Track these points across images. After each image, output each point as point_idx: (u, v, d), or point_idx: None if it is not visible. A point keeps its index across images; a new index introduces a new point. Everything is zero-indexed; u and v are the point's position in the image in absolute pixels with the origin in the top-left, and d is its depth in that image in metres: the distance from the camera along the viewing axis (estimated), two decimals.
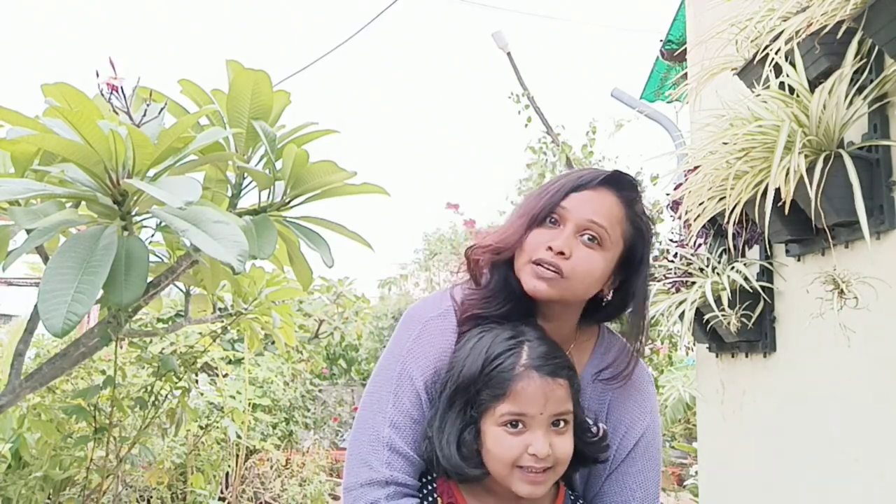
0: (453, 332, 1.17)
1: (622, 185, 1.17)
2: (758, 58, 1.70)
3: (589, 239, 1.12)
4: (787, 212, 1.51)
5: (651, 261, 1.24)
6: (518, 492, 1.05)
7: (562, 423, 1.07)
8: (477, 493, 1.12)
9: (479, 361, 1.08)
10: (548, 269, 1.10)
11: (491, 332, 1.12)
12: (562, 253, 1.10)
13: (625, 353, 1.22)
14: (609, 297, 1.21)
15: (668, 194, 2.42)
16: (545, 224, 1.13)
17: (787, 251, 1.93)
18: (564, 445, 1.07)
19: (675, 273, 2.22)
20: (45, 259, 1.65)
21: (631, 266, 1.18)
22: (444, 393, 1.12)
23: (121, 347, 2.81)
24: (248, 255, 1.27)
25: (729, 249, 2.03)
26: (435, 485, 1.13)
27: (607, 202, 1.14)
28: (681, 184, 2.09)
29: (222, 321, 2.78)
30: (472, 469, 1.07)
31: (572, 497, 1.18)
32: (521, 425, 1.05)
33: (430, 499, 1.12)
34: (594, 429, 1.15)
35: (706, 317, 2.11)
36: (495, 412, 1.05)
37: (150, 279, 1.67)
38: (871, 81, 1.51)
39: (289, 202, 1.74)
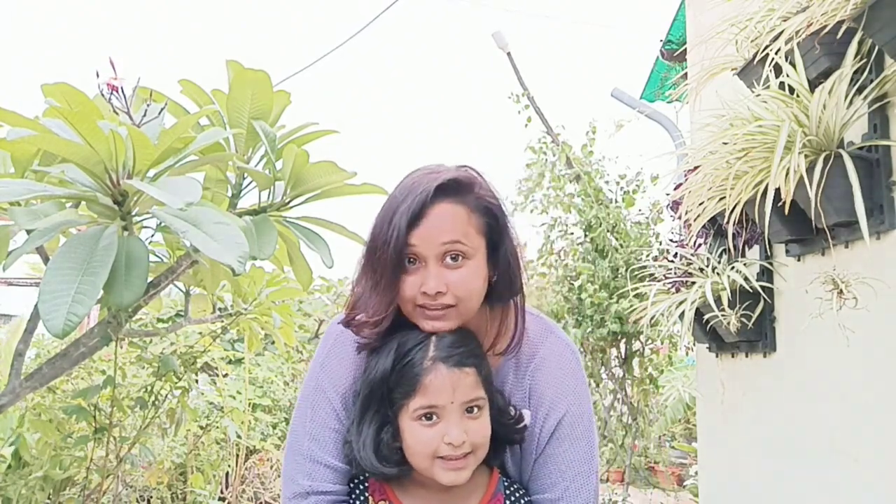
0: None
1: (449, 190, 1.11)
2: (758, 58, 1.70)
3: (453, 259, 1.10)
4: (787, 212, 1.52)
5: (511, 223, 1.18)
6: (441, 481, 1.08)
7: (475, 410, 1.10)
8: (408, 489, 1.16)
9: (390, 360, 1.11)
10: (435, 309, 1.10)
11: (401, 331, 1.14)
12: (439, 292, 1.09)
13: (512, 324, 1.20)
14: (495, 278, 1.17)
15: (668, 194, 2.42)
16: (406, 269, 1.10)
17: (787, 251, 1.93)
18: (480, 430, 1.10)
19: (675, 273, 2.23)
20: (46, 259, 1.65)
21: (498, 245, 1.16)
22: (358, 396, 1.15)
23: (121, 347, 2.81)
24: (249, 256, 1.27)
25: (729, 249, 2.03)
26: (367, 484, 1.18)
27: (448, 215, 1.10)
28: (681, 184, 2.09)
29: (222, 321, 2.78)
30: (389, 468, 1.10)
31: (506, 483, 1.21)
32: (434, 417, 1.08)
33: (362, 498, 1.16)
34: (511, 410, 1.17)
35: (706, 317, 2.11)
36: (409, 408, 1.09)
37: (150, 279, 1.67)
38: (871, 81, 1.51)
39: (289, 202, 1.74)
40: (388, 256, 1.08)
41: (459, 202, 1.12)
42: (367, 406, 1.13)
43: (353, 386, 1.18)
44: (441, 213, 1.10)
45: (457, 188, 1.12)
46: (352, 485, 1.18)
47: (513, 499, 1.20)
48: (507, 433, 1.16)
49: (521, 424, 1.18)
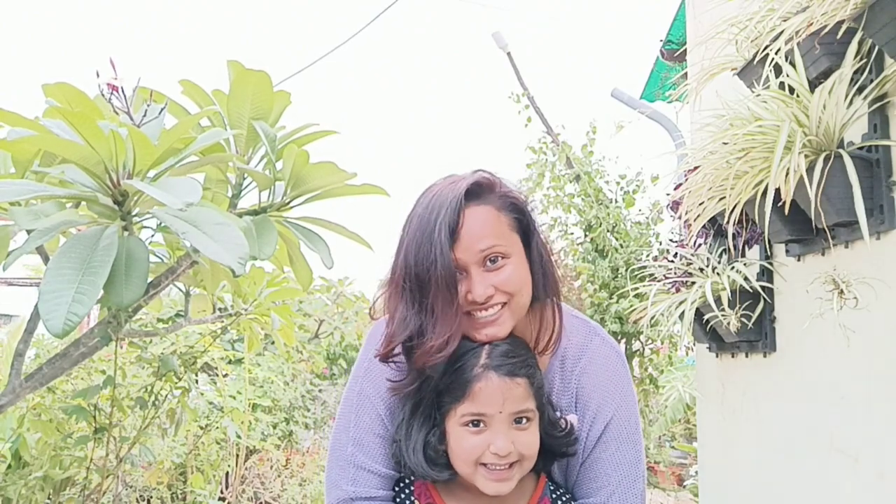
0: None
1: (472, 195, 1.11)
2: (758, 58, 1.70)
3: (492, 261, 1.09)
4: (787, 212, 1.52)
5: (537, 218, 1.20)
6: (484, 490, 1.08)
7: (524, 421, 1.09)
8: (454, 492, 1.15)
9: (442, 365, 1.09)
10: (487, 311, 1.09)
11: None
12: (490, 296, 1.08)
13: (551, 321, 1.18)
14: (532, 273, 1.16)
15: (668, 194, 2.42)
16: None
17: (787, 251, 1.93)
18: (528, 441, 1.09)
19: (675, 273, 2.23)
20: (46, 259, 1.65)
21: (530, 240, 1.16)
22: (408, 399, 1.14)
23: (121, 347, 2.81)
24: (249, 257, 1.26)
25: (729, 249, 2.03)
26: (413, 487, 1.17)
27: (478, 219, 1.09)
28: (681, 184, 2.09)
29: (222, 321, 2.78)
30: (438, 472, 1.10)
31: (552, 487, 1.20)
32: (482, 424, 1.07)
33: (409, 502, 1.15)
34: (562, 423, 1.15)
35: (706, 317, 2.11)
36: (457, 413, 1.08)
37: (150, 279, 1.67)
38: (871, 81, 1.51)
39: (289, 203, 1.74)
40: (439, 274, 1.05)
41: (485, 203, 1.11)
42: (416, 408, 1.13)
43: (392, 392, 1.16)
44: (472, 217, 1.09)
45: (479, 191, 1.12)
46: (397, 488, 1.18)
47: (559, 503, 1.18)
48: (557, 446, 1.15)
49: (573, 437, 1.16)
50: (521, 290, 1.11)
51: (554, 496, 1.19)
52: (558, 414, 1.17)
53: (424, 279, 1.07)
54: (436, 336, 1.06)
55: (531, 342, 1.17)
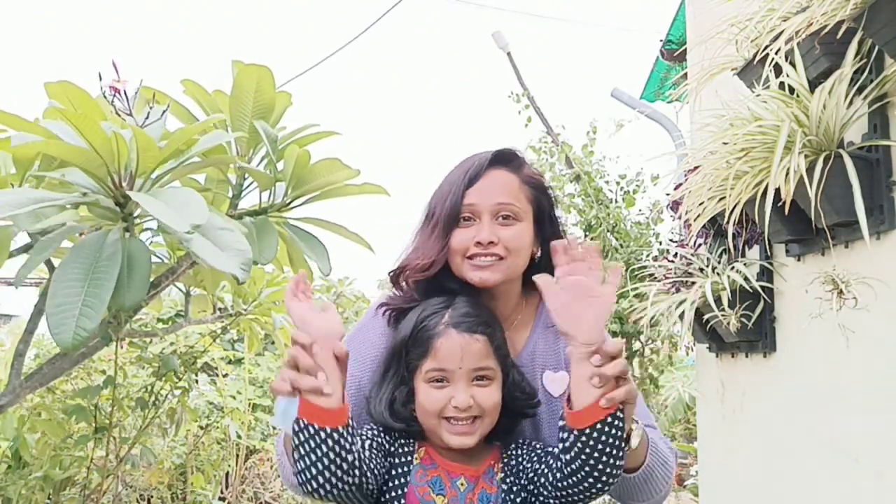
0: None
1: (505, 159, 1.27)
2: (758, 58, 1.70)
3: (504, 218, 1.23)
4: (787, 212, 1.52)
5: (557, 210, 1.35)
6: (448, 442, 1.15)
7: (484, 379, 1.16)
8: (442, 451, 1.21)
9: (411, 325, 1.19)
10: (486, 258, 1.21)
11: (426, 301, 1.23)
12: (492, 242, 1.20)
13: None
14: (539, 255, 1.30)
15: (668, 194, 2.42)
16: (461, 224, 1.23)
17: (787, 251, 1.94)
18: (488, 397, 1.15)
19: (675, 273, 2.23)
20: (47, 259, 1.65)
21: (544, 221, 1.30)
22: (383, 362, 1.24)
23: (121, 347, 2.81)
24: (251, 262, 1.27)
25: (729, 249, 2.04)
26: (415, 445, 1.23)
27: (503, 180, 1.25)
28: (681, 184, 2.09)
29: (222, 321, 2.78)
30: (397, 423, 1.17)
31: (514, 443, 1.24)
32: (444, 381, 1.15)
33: (411, 456, 1.20)
34: (526, 387, 1.23)
35: (706, 317, 2.11)
36: (422, 370, 1.16)
37: (150, 280, 1.66)
38: (871, 81, 1.51)
39: (290, 203, 1.74)
40: (445, 209, 1.22)
41: (512, 171, 1.27)
42: (388, 367, 1.21)
43: (371, 362, 1.27)
44: (497, 176, 1.25)
45: (511, 160, 1.28)
46: (402, 441, 1.22)
47: (512, 448, 1.21)
48: (519, 407, 1.22)
49: (535, 400, 1.24)
50: (519, 252, 1.23)
51: (508, 452, 1.22)
52: (524, 379, 1.24)
53: (435, 213, 1.24)
54: (423, 257, 1.22)
55: (513, 316, 1.30)
